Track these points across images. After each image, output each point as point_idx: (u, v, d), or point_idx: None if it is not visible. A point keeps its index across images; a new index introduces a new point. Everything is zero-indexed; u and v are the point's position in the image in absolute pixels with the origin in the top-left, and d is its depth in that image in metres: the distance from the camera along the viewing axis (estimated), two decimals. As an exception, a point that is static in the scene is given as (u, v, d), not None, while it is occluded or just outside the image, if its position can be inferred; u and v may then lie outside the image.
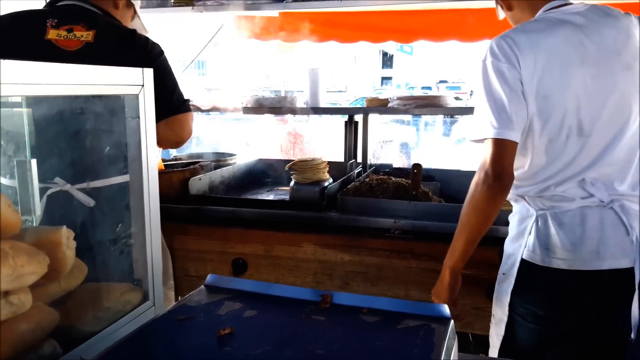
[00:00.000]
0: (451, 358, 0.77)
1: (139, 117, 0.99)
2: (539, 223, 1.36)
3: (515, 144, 1.30)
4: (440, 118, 17.27)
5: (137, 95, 0.99)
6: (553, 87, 1.30)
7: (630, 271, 1.31)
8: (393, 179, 2.14)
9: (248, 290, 0.93)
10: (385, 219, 1.94)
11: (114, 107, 1.03)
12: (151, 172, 1.03)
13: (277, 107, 2.58)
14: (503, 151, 1.29)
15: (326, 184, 2.14)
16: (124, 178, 1.07)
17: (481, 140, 1.33)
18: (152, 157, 1.03)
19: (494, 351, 1.47)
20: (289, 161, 2.33)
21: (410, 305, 0.86)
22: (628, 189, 1.36)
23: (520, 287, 1.39)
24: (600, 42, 1.32)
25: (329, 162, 2.33)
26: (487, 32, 2.83)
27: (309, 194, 2.07)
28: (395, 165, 2.73)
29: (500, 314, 1.44)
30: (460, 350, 0.86)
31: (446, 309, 0.83)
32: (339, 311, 0.87)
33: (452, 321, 0.81)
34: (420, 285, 1.86)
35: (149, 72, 1.01)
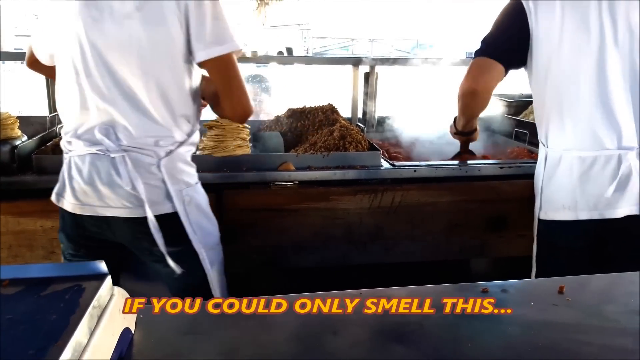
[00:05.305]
0: (108, 313, 0.72)
1: None
2: (67, 167, 1.41)
3: None
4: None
5: None
6: (58, 31, 1.36)
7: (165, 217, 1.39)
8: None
9: None
10: (92, 177, 1.78)
11: None
12: None
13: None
14: None
15: (17, 142, 1.83)
16: None
17: None
18: None
19: None
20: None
21: (63, 268, 0.77)
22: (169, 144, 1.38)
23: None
24: None
25: (23, 117, 2.00)
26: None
27: (-7, 155, 1.75)
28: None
29: None
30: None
31: (102, 265, 0.77)
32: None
33: (108, 277, 0.76)
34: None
35: None
